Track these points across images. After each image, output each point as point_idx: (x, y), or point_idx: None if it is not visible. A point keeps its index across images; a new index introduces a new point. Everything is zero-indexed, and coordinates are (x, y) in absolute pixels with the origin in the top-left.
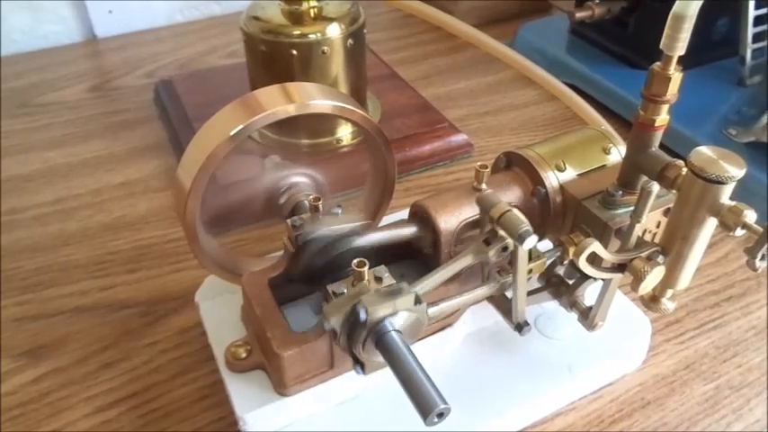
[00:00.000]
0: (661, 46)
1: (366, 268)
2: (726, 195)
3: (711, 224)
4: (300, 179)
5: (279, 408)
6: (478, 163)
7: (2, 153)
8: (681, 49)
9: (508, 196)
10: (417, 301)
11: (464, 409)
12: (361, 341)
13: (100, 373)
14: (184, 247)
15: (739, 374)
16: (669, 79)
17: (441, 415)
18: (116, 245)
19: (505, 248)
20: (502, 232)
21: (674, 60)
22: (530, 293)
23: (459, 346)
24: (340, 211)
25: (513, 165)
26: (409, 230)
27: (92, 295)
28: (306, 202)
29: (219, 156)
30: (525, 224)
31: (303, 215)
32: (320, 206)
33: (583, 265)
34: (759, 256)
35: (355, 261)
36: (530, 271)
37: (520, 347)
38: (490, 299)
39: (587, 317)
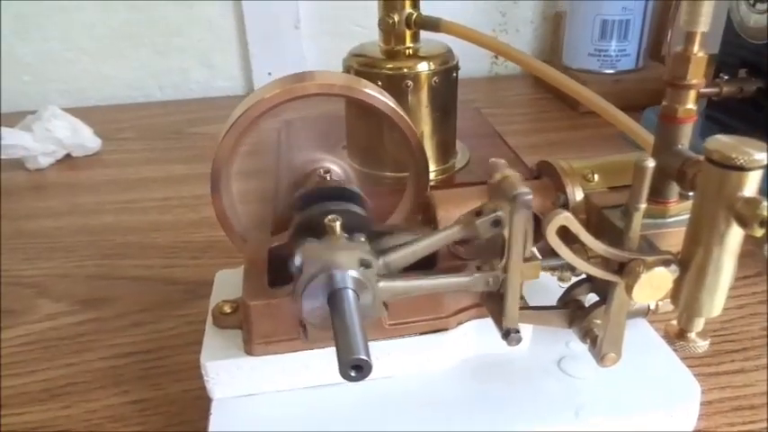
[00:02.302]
0: (681, 23)
1: (337, 224)
2: (749, 187)
3: (736, 230)
4: (332, 166)
5: (242, 366)
6: (492, 159)
7: (141, 162)
8: (704, 24)
9: None
10: (364, 264)
11: (439, 424)
12: (297, 292)
13: (129, 329)
14: None
15: None
16: (689, 60)
17: (359, 368)
18: (193, 237)
19: (497, 223)
20: (496, 205)
21: (697, 38)
22: (539, 309)
23: (461, 366)
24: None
25: (544, 175)
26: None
27: (154, 270)
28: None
29: (258, 112)
30: (524, 188)
31: (310, 185)
32: (329, 177)
33: (552, 238)
34: None
35: (329, 216)
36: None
37: (530, 379)
38: (485, 302)
39: (596, 345)
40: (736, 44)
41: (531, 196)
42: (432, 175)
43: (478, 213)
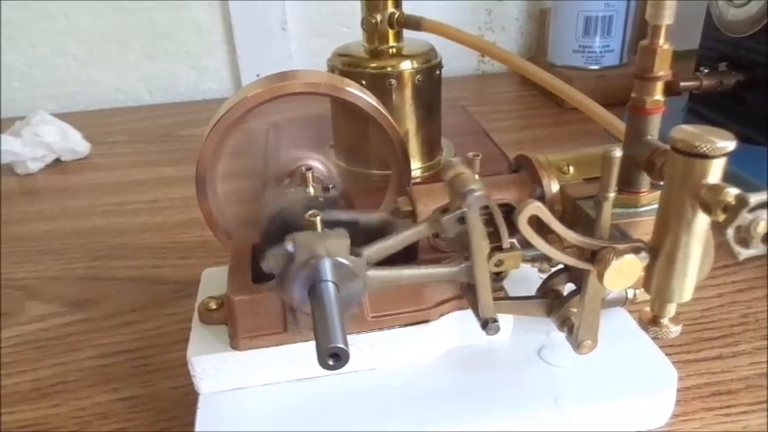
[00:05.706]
0: (646, 17)
1: (318, 219)
2: (713, 175)
3: (702, 217)
4: (315, 164)
5: (228, 360)
6: (470, 153)
7: (130, 165)
8: (668, 17)
9: (504, 195)
10: (355, 253)
11: (423, 414)
12: (290, 279)
13: (118, 329)
14: None
15: None
16: (655, 52)
17: (336, 357)
18: (182, 237)
19: (463, 220)
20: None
21: (662, 31)
22: (518, 299)
23: (444, 357)
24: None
25: (522, 168)
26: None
27: (143, 270)
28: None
29: (241, 111)
30: (475, 184)
31: (294, 185)
32: (310, 175)
33: (524, 228)
34: (732, 230)
35: (308, 212)
36: (500, 263)
37: (511, 368)
38: (465, 294)
39: (572, 333)
40: (715, 38)
41: (482, 192)
42: (417, 172)
43: (444, 211)
